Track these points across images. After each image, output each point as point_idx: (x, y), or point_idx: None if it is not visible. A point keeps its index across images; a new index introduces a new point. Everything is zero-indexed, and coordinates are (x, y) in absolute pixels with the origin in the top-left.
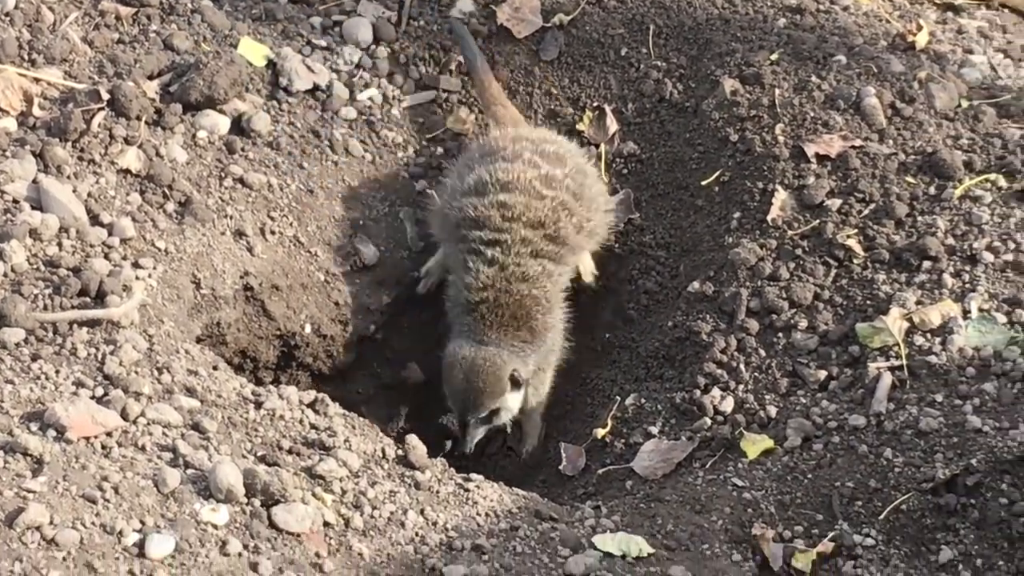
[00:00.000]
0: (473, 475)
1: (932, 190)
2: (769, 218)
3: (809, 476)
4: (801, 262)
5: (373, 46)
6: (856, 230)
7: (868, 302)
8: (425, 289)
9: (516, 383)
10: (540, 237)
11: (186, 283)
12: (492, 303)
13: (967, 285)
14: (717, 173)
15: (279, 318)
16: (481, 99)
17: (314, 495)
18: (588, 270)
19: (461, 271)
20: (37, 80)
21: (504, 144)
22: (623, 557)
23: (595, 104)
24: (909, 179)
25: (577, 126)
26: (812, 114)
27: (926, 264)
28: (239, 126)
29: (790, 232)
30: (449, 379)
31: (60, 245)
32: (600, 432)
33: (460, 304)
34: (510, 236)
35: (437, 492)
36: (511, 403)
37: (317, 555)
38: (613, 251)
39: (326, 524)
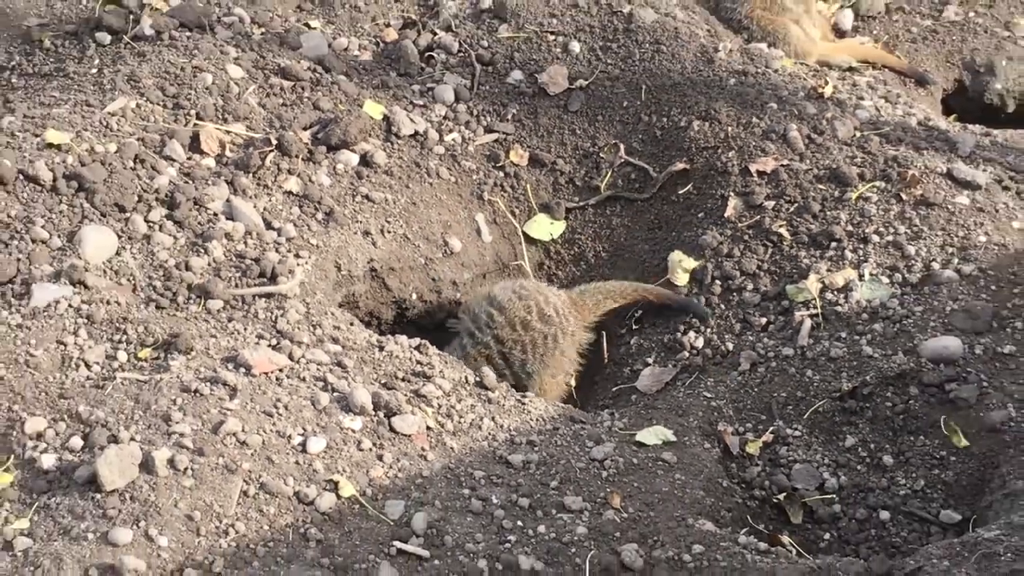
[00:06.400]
0: (528, 393)
1: (836, 193)
2: (726, 215)
3: (756, 390)
4: (748, 244)
5: (455, 104)
6: (785, 222)
7: (794, 271)
8: None
9: None
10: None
11: (331, 267)
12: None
13: (861, 258)
14: (689, 185)
15: (394, 290)
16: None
17: (420, 408)
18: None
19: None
20: (228, 132)
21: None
22: (642, 445)
23: (612, 142)
24: (821, 186)
25: (600, 152)
26: (753, 143)
27: (833, 244)
28: (365, 160)
29: (740, 224)
30: None
31: (245, 243)
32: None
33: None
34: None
35: (503, 405)
36: None
37: (422, 449)
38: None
39: (428, 428)
